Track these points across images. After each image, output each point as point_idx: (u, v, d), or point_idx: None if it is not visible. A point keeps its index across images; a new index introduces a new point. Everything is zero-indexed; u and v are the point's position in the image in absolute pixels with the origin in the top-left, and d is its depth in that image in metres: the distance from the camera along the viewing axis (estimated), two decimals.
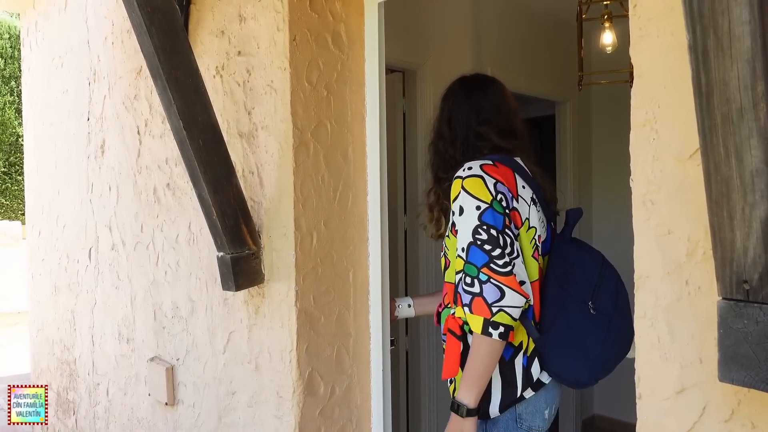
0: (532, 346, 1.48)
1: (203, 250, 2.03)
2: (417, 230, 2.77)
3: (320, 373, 1.77)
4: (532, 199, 1.51)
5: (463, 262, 1.40)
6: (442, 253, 1.59)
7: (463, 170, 1.46)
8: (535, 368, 1.48)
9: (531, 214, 1.49)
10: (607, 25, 2.73)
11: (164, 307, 2.26)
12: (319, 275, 1.76)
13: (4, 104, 11.13)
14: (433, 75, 2.78)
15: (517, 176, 1.50)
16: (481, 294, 1.35)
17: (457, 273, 1.45)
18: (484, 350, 1.37)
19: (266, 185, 1.78)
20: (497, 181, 1.43)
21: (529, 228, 1.48)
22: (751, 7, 0.72)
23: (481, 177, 1.43)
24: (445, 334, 1.54)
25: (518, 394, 1.47)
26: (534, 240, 1.49)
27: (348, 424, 1.85)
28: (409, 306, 1.89)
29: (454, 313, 1.49)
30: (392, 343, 1.93)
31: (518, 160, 1.55)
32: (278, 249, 1.75)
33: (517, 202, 1.46)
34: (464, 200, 1.42)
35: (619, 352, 1.48)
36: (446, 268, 1.57)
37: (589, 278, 1.47)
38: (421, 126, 2.74)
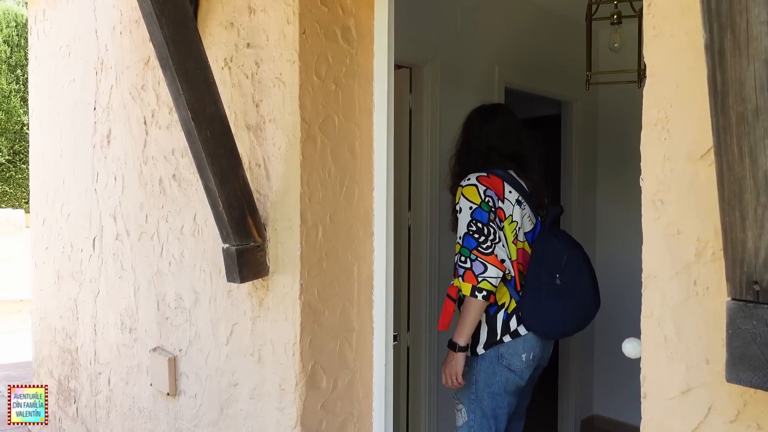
0: (513, 306, 1.99)
1: (208, 242, 2.04)
2: (421, 226, 2.77)
3: (323, 367, 1.77)
4: (518, 200, 2.02)
5: (460, 246, 1.95)
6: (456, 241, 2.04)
7: (464, 180, 2.00)
8: (513, 322, 1.99)
9: (515, 211, 2.01)
10: (616, 25, 2.72)
11: (168, 297, 2.26)
12: (324, 269, 1.76)
13: (10, 92, 11.12)
14: (441, 72, 2.77)
15: (505, 184, 2.02)
16: (471, 268, 1.91)
17: (455, 255, 1.96)
18: (471, 307, 1.92)
19: (273, 178, 1.78)
20: (487, 188, 1.97)
21: (512, 222, 2.00)
22: None
23: (475, 185, 1.97)
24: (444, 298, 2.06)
25: (498, 338, 1.99)
26: (515, 231, 2.01)
27: (349, 418, 1.85)
28: None
29: (453, 283, 2.01)
30: (394, 338, 1.93)
31: (511, 172, 2.07)
32: (283, 242, 1.75)
33: (503, 203, 1.98)
34: (462, 203, 1.97)
35: (576, 314, 2.00)
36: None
37: (558, 258, 1.98)
38: (427, 122, 2.74)
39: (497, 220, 1.95)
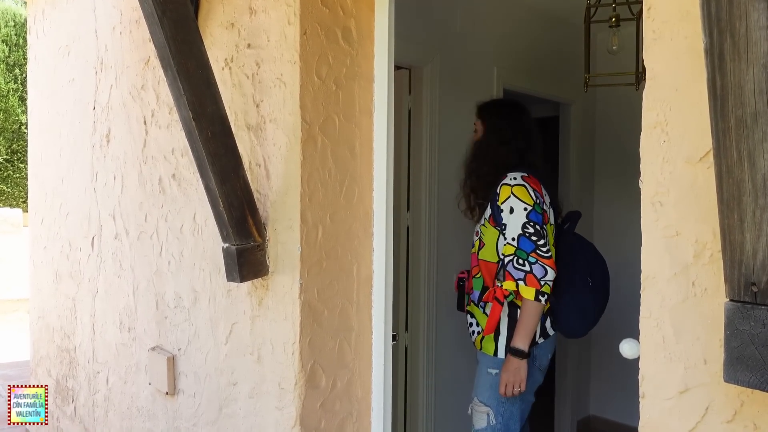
0: (547, 307, 2.00)
1: (207, 241, 2.04)
2: (420, 226, 2.77)
3: (322, 366, 1.78)
4: (549, 203, 2.06)
5: (514, 249, 1.92)
6: (477, 237, 2.09)
7: (510, 179, 1.97)
8: (548, 323, 2.04)
9: (550, 214, 2.04)
10: (614, 27, 2.74)
11: (167, 297, 2.26)
12: (324, 269, 1.77)
13: (8, 92, 11.09)
14: (440, 73, 2.78)
15: (542, 186, 2.03)
16: (531, 272, 1.89)
17: (506, 256, 1.95)
18: (534, 311, 1.92)
19: (273, 178, 1.78)
20: (534, 189, 1.97)
21: (551, 225, 2.03)
22: None
23: (524, 186, 1.96)
24: (485, 302, 2.04)
25: (535, 340, 1.99)
26: (553, 233, 2.04)
27: (348, 417, 1.86)
28: None
29: (501, 285, 1.96)
30: (393, 338, 1.94)
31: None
32: (283, 242, 1.76)
33: (546, 205, 2.01)
34: (514, 203, 1.94)
35: (601, 311, 2.06)
36: (480, 248, 2.08)
37: (588, 259, 2.04)
38: (426, 123, 2.75)
39: (546, 223, 1.99)
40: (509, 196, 1.94)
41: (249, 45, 1.85)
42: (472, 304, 2.14)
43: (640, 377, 1.09)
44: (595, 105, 3.80)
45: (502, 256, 1.99)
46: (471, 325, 2.14)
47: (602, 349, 3.73)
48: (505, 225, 1.96)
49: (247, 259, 1.76)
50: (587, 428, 3.85)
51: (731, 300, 0.88)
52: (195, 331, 2.12)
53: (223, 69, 1.93)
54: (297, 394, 1.73)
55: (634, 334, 1.19)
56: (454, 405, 2.89)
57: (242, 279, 1.77)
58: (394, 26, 1.85)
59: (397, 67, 2.62)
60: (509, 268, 1.94)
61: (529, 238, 1.90)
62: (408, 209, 2.80)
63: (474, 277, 2.13)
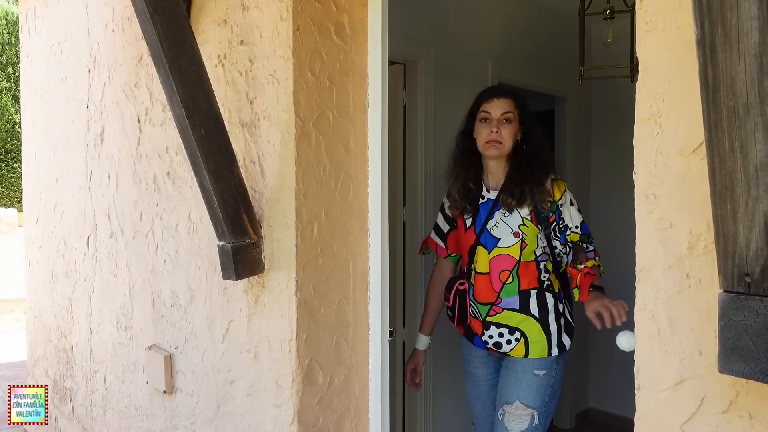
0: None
1: (203, 239, 2.04)
2: (416, 222, 2.77)
3: (319, 363, 1.78)
4: None
5: (579, 235, 1.99)
6: (518, 240, 2.00)
7: (557, 175, 2.05)
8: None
9: None
10: (609, 20, 2.73)
11: (163, 295, 2.26)
12: (320, 265, 1.77)
13: (1, 91, 11.03)
14: (435, 67, 2.78)
15: None
16: (595, 249, 2.01)
17: (573, 243, 1.99)
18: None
19: (267, 175, 1.78)
20: None
21: None
22: (759, 2, 0.73)
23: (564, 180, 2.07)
24: (579, 286, 1.93)
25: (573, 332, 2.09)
26: None
27: (346, 413, 1.86)
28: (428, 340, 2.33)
29: (585, 266, 1.94)
30: (390, 334, 1.94)
31: None
32: (279, 239, 1.76)
33: None
34: (570, 195, 2.02)
35: None
36: (523, 248, 2.01)
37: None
38: (421, 118, 2.74)
39: None
40: (565, 191, 2.01)
41: (242, 41, 1.84)
42: (503, 312, 2.02)
43: (635, 369, 1.09)
44: (590, 98, 3.81)
45: (562, 247, 2.00)
46: (501, 335, 2.02)
47: (599, 341, 3.74)
48: (562, 220, 2.00)
49: (242, 256, 1.76)
50: (586, 421, 3.87)
51: (725, 291, 0.88)
52: (192, 329, 2.12)
53: (216, 66, 1.92)
54: (294, 391, 1.73)
55: (631, 326, 1.20)
56: (452, 399, 2.89)
57: (238, 277, 1.76)
58: (388, 21, 1.84)
59: (391, 63, 2.62)
60: (586, 249, 2.00)
61: (587, 224, 2.04)
62: (404, 205, 2.80)
63: (506, 283, 2.01)
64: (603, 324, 1.77)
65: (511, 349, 2.01)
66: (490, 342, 2.05)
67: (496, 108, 2.02)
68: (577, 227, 2.00)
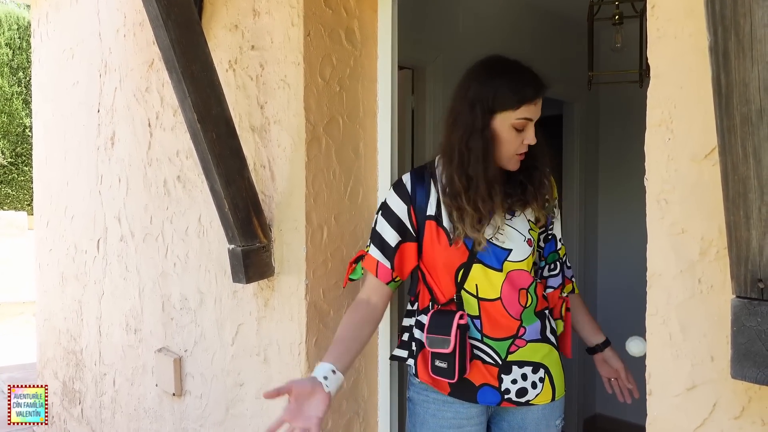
0: None
1: (213, 243, 2.05)
2: None
3: None
4: None
5: (563, 247, 1.66)
6: (532, 249, 1.51)
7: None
8: None
9: None
10: (617, 25, 2.74)
11: (173, 298, 2.27)
12: (329, 269, 1.77)
13: (12, 95, 11.14)
14: (443, 72, 2.79)
15: None
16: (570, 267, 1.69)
17: (560, 258, 1.64)
18: None
19: (278, 179, 1.79)
20: None
21: None
22: None
23: None
24: (557, 318, 1.58)
25: None
26: None
27: (355, 417, 1.86)
28: (334, 372, 1.33)
29: (572, 291, 1.67)
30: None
31: None
32: (289, 242, 1.76)
33: None
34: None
35: None
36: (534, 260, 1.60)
37: None
38: (429, 123, 2.75)
39: None
40: (557, 189, 1.62)
41: (253, 47, 1.85)
42: (527, 346, 1.48)
43: (647, 374, 1.09)
44: (598, 103, 3.80)
45: (551, 263, 1.62)
46: (525, 377, 1.47)
47: None
48: (552, 225, 1.61)
49: (252, 260, 1.77)
50: (593, 427, 3.85)
51: (738, 296, 0.88)
52: (201, 332, 2.13)
53: (227, 71, 1.94)
54: None
55: (640, 332, 1.20)
56: None
57: (248, 280, 1.77)
58: (397, 26, 1.86)
59: (401, 67, 2.63)
60: (566, 271, 1.63)
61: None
62: None
63: (526, 307, 1.48)
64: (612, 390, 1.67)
65: (537, 395, 1.48)
66: (513, 390, 1.46)
67: (538, 109, 1.50)
68: (561, 239, 1.63)
